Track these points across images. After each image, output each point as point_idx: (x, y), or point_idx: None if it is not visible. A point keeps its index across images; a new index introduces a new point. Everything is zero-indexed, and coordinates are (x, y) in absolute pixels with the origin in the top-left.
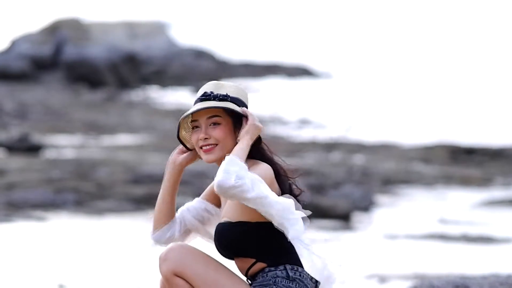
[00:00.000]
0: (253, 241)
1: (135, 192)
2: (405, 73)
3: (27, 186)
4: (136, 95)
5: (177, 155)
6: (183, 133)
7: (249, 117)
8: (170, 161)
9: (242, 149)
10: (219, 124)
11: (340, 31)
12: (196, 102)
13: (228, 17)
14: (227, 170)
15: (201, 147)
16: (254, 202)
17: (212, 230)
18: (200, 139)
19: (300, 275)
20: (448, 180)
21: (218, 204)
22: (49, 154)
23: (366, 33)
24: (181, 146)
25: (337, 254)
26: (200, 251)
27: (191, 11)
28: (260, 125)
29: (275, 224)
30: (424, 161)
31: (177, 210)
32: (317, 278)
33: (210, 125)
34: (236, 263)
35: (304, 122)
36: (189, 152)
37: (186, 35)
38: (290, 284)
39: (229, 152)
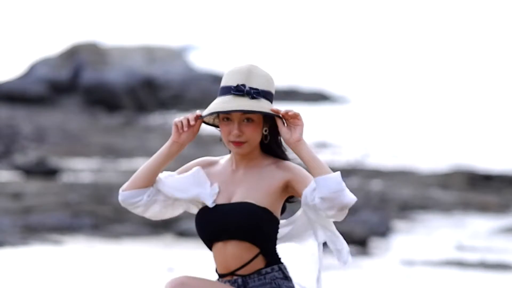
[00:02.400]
0: (269, 232)
1: None
2: (423, 98)
3: (44, 210)
4: (154, 119)
5: (180, 137)
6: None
7: (299, 117)
8: (176, 139)
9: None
10: (252, 120)
11: (357, 56)
12: (226, 92)
13: (246, 42)
14: (345, 187)
15: (230, 140)
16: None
17: (174, 208)
18: (233, 135)
19: (288, 272)
20: (466, 207)
21: None
22: (66, 177)
23: (383, 58)
24: (194, 116)
25: (354, 280)
26: (202, 278)
27: (208, 36)
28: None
29: (324, 236)
30: (441, 187)
31: None
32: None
33: (243, 120)
34: (228, 246)
35: (321, 147)
36: (192, 131)
37: (204, 59)
38: (290, 284)
39: (255, 147)
